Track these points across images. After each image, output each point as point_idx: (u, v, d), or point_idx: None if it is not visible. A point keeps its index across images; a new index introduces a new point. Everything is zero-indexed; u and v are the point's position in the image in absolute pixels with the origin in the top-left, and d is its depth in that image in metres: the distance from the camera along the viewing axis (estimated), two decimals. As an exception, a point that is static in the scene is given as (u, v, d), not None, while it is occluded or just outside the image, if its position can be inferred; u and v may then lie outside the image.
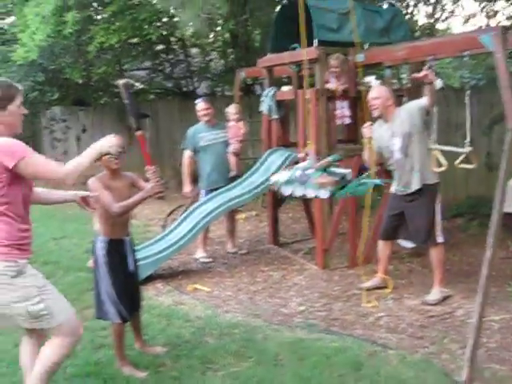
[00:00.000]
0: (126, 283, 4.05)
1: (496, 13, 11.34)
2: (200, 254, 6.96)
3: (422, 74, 4.80)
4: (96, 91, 13.12)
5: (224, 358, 4.16)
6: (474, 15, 11.90)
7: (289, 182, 4.55)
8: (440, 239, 5.23)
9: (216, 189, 6.80)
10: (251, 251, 7.30)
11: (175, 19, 9.85)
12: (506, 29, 4.50)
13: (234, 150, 6.85)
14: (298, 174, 4.54)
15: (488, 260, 4.07)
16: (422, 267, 6.28)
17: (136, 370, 4.01)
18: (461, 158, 4.98)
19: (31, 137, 17.37)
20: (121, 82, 3.90)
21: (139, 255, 5.98)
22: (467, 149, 4.93)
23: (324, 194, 4.44)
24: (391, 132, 5.23)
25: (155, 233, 8.40)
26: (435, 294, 5.27)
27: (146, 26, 9.28)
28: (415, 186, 5.21)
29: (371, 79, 6.70)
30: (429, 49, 5.31)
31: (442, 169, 5.06)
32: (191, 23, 5.57)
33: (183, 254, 6.87)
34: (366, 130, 5.32)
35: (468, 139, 4.92)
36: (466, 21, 12.12)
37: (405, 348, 4.30)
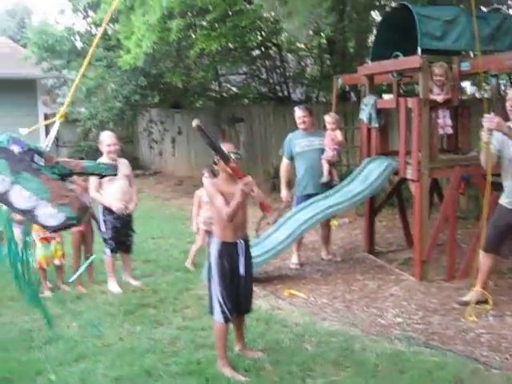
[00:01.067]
0: (235, 286, 4.18)
1: None
2: (293, 260, 7.02)
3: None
4: (193, 95, 13.48)
5: (323, 366, 4.19)
6: None
7: None
8: None
9: (308, 195, 6.86)
10: (346, 259, 7.28)
11: (276, 26, 10.01)
12: None
13: (327, 158, 6.86)
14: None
15: None
16: (524, 283, 6.07)
17: (236, 372, 4.10)
18: None
19: (130, 137, 18.17)
20: (194, 123, 3.88)
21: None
22: None
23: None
24: None
25: (250, 236, 8.53)
26: None
27: (247, 33, 9.44)
28: None
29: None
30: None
31: None
32: (296, 32, 5.64)
33: (277, 259, 6.94)
34: (485, 134, 4.94)
35: None
36: None
37: (509, 369, 4.17)
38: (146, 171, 17.20)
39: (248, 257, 4.29)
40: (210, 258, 4.22)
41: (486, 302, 5.41)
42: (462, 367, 4.14)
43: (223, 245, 4.16)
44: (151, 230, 9.10)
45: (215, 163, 4.23)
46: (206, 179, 6.70)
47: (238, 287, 4.21)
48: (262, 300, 5.74)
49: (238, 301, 4.22)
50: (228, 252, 4.16)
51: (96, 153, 15.79)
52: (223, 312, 4.12)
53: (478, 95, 12.25)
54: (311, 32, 6.62)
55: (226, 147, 4.19)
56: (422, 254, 6.20)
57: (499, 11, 7.00)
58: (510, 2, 11.58)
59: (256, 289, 6.02)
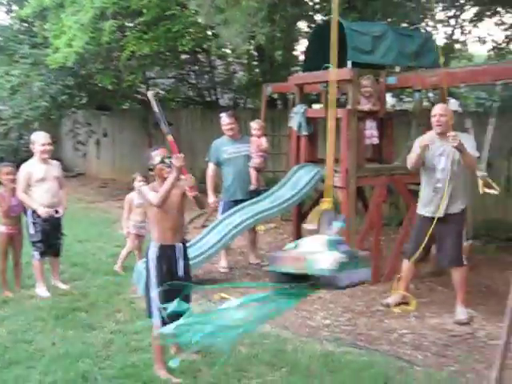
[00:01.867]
0: (173, 289, 4.20)
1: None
2: (222, 264, 7.12)
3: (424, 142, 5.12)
4: (122, 97, 13.33)
5: (257, 366, 4.33)
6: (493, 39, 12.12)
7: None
8: (465, 261, 5.41)
9: (235, 201, 6.99)
10: (273, 263, 7.42)
11: (206, 31, 10.09)
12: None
13: (254, 165, 7.00)
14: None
15: (516, 285, 4.18)
16: (442, 286, 6.41)
17: (172, 375, 4.16)
18: (481, 183, 5.06)
19: (54, 138, 17.66)
20: (150, 93, 4.19)
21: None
22: (482, 173, 5.03)
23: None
24: (442, 150, 5.30)
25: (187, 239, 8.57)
26: (462, 312, 5.43)
27: (179, 37, 9.46)
28: (453, 210, 5.35)
29: (455, 104, 6.81)
30: (463, 76, 5.50)
31: (496, 192, 5.10)
32: (232, 40, 5.76)
33: (206, 263, 7.01)
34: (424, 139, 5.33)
35: (484, 164, 5.02)
36: (484, 42, 12.35)
37: (430, 365, 4.46)
38: (69, 173, 16.82)
39: (186, 259, 4.35)
40: (147, 262, 4.24)
41: (407, 303, 5.74)
42: (389, 365, 4.38)
43: (161, 248, 4.20)
44: (77, 233, 8.92)
45: (151, 169, 4.27)
46: (138, 183, 6.72)
47: (177, 290, 4.25)
48: (193, 303, 5.74)
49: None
50: (166, 255, 4.21)
51: (16, 152, 15.45)
52: (162, 317, 4.12)
53: (397, 107, 12.80)
54: (245, 40, 6.76)
55: (158, 152, 4.26)
56: (348, 258, 6.42)
57: (419, 30, 7.38)
58: (427, 20, 12.22)
59: (187, 292, 6.11)
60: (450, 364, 4.51)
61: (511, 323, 4.12)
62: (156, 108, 4.16)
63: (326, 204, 4.50)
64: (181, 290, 4.26)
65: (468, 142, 5.20)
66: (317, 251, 3.91)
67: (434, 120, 5.29)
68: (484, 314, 5.56)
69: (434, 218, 5.38)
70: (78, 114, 15.22)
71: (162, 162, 4.17)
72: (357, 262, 3.93)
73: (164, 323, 4.16)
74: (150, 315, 4.26)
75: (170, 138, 4.17)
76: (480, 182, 5.12)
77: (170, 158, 4.17)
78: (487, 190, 5.06)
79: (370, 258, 4.95)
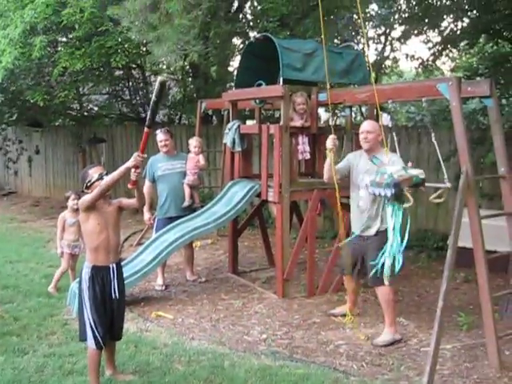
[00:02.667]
0: (107, 310, 4.16)
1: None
2: (158, 282, 7.07)
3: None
4: (54, 113, 13.07)
5: (195, 384, 4.31)
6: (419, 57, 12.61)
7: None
8: (387, 281, 5.03)
9: (170, 218, 6.97)
10: (210, 279, 7.45)
11: (140, 48, 10.05)
12: (460, 79, 4.87)
13: (188, 182, 7.01)
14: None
15: (443, 292, 4.36)
16: (375, 297, 6.53)
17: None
18: (438, 192, 4.92)
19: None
20: (160, 78, 4.09)
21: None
22: (448, 184, 4.92)
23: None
24: (367, 169, 5.25)
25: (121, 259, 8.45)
26: (385, 334, 5.31)
27: (112, 53, 9.39)
28: (375, 230, 5.30)
29: (387, 118, 6.90)
30: (390, 93, 5.68)
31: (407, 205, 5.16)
32: (165, 57, 5.78)
33: (143, 281, 6.95)
34: (330, 140, 5.31)
35: (446, 175, 4.96)
36: (412, 59, 12.81)
37: (365, 375, 4.56)
38: (0, 191, 16.36)
39: (121, 280, 4.30)
40: (80, 283, 4.17)
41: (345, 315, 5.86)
42: (325, 377, 4.45)
43: (95, 269, 4.14)
44: (8, 253, 8.69)
45: (88, 187, 4.23)
46: (72, 201, 6.62)
47: (111, 312, 4.20)
48: (129, 323, 5.72)
49: (110, 326, 4.21)
50: (100, 276, 4.14)
51: None
52: (95, 338, 4.10)
53: (331, 122, 13.07)
54: (179, 57, 6.78)
55: (95, 170, 4.26)
56: (283, 272, 6.51)
57: (351, 47, 7.58)
58: (359, 37, 12.59)
59: (123, 311, 6.04)
60: (384, 373, 4.62)
61: (440, 329, 4.30)
62: (156, 96, 4.05)
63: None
64: (116, 312, 4.25)
65: (397, 161, 5.07)
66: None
67: (361, 137, 5.34)
68: (416, 321, 5.74)
69: (358, 235, 5.40)
70: (9, 131, 14.85)
71: (101, 178, 4.13)
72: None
73: (99, 346, 4.13)
74: (83, 338, 4.18)
75: (147, 130, 4.10)
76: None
77: (107, 174, 4.15)
78: (436, 200, 5.06)
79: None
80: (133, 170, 4.06)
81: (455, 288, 6.80)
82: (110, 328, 4.21)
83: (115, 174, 4.00)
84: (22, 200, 15.43)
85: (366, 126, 5.38)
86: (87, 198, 4.09)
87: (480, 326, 5.10)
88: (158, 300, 6.58)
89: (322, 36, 5.38)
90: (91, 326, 4.09)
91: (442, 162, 5.15)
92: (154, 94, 4.08)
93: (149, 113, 4.16)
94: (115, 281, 4.20)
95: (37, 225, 11.70)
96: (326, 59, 5.70)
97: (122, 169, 4.01)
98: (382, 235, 5.08)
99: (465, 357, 4.91)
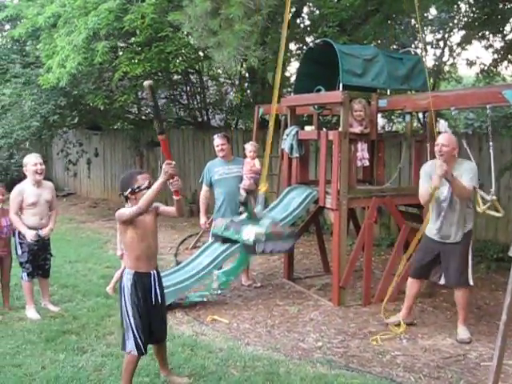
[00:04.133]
0: (149, 317, 4.16)
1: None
2: (214, 286, 7.09)
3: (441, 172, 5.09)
4: (113, 117, 13.35)
5: (250, 390, 4.30)
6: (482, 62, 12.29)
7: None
8: (471, 282, 5.48)
9: None
10: (265, 285, 7.44)
11: (198, 53, 10.15)
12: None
13: (244, 186, 7.02)
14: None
15: (508, 306, 4.20)
16: (433, 308, 6.43)
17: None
18: (487, 205, 5.01)
19: (45, 157, 17.67)
20: (146, 83, 3.88)
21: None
22: (491, 197, 4.99)
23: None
24: (444, 181, 5.30)
25: (167, 261, 8.57)
26: (464, 331, 5.51)
27: (172, 59, 9.52)
28: (454, 238, 5.44)
29: (444, 125, 6.86)
30: (452, 100, 5.56)
31: (500, 215, 5.04)
32: (224, 63, 5.82)
33: (198, 284, 6.99)
34: (436, 179, 5.26)
35: (493, 188, 4.99)
36: (472, 65, 12.51)
37: (423, 388, 4.45)
38: (60, 193, 16.80)
39: (161, 287, 4.29)
40: (122, 290, 4.15)
41: (411, 324, 5.80)
42: (381, 388, 4.38)
43: (136, 275, 4.13)
44: (68, 253, 8.91)
45: (133, 191, 4.13)
46: None
47: (152, 318, 4.20)
48: (185, 326, 5.79)
49: (151, 332, 4.21)
50: (141, 283, 4.14)
51: (6, 171, 15.39)
52: (137, 343, 4.09)
53: (387, 127, 12.92)
54: (238, 62, 6.82)
55: (144, 176, 4.18)
56: (339, 279, 6.45)
57: (409, 53, 7.47)
58: (417, 42, 12.38)
59: (179, 314, 6.12)
60: (442, 386, 4.52)
61: (503, 344, 4.15)
62: (152, 101, 4.02)
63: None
64: (158, 318, 4.26)
65: (468, 170, 5.26)
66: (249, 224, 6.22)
67: (436, 149, 5.35)
68: (475, 334, 5.58)
69: (439, 242, 5.51)
70: (70, 134, 15.24)
71: (149, 186, 4.04)
72: (286, 236, 6.25)
73: (140, 352, 4.14)
74: (123, 345, 4.17)
75: (161, 137, 3.95)
76: (480, 202, 5.11)
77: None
78: (491, 212, 5.03)
79: (294, 235, 6.64)
80: (169, 181, 3.97)
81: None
82: (151, 333, 4.21)
83: (151, 194, 3.92)
84: (80, 201, 15.82)
85: (442, 139, 5.37)
86: (126, 213, 4.03)
87: (545, 342, 4.92)
88: (214, 304, 6.60)
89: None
90: (133, 332, 4.08)
91: (492, 174, 5.12)
92: (150, 100, 4.04)
93: (154, 121, 4.10)
94: (157, 287, 4.21)
95: (95, 226, 11.97)
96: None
97: (156, 186, 3.91)
98: (465, 238, 5.44)
99: (527, 373, 4.75)
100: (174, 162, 3.91)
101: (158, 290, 4.24)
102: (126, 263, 4.24)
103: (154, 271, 4.25)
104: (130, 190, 4.12)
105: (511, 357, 5.01)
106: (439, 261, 5.57)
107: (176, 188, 4.04)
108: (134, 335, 4.09)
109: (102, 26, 8.68)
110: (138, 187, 4.10)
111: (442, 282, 5.76)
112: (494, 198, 5.02)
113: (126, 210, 4.06)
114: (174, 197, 4.12)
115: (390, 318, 5.94)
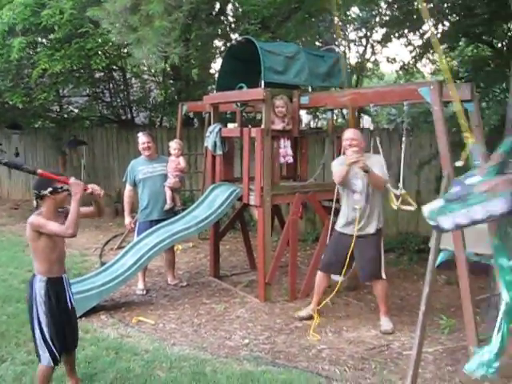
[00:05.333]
0: (62, 323, 4.02)
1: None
2: (139, 286, 7.01)
3: (353, 159, 5.23)
4: (34, 115, 12.93)
5: (176, 391, 4.26)
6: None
7: (444, 207, 2.89)
8: (384, 275, 5.61)
9: (151, 221, 6.92)
10: (192, 283, 7.39)
11: (121, 50, 9.98)
12: (442, 83, 4.88)
13: (169, 184, 6.96)
14: (456, 190, 2.92)
15: (426, 297, 4.34)
16: (357, 301, 6.57)
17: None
18: (399, 200, 5.24)
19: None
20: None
21: (82, 287, 6.04)
22: (399, 191, 5.23)
23: (502, 204, 2.73)
24: (355, 173, 5.48)
25: (92, 262, 8.40)
26: (387, 322, 5.66)
27: (93, 55, 9.31)
28: (370, 230, 5.58)
29: (368, 121, 6.95)
30: (372, 97, 5.68)
31: (412, 208, 5.19)
32: (145, 59, 5.73)
33: (124, 286, 6.87)
34: (351, 154, 5.38)
35: (401, 182, 5.23)
36: (393, 62, 12.88)
37: (348, 380, 4.54)
38: (-22, 195, 16.17)
39: (71, 290, 4.17)
40: (34, 299, 3.95)
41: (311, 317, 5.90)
42: (308, 382, 4.44)
43: (49, 281, 3.96)
44: (-14, 258, 8.58)
45: (52, 192, 3.91)
46: None
47: (66, 323, 4.06)
48: (110, 328, 5.67)
49: (66, 338, 4.08)
50: (54, 288, 3.98)
51: None
52: (52, 354, 3.95)
53: (312, 124, 13.10)
54: (160, 59, 6.72)
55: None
56: (265, 276, 6.48)
57: (332, 51, 7.58)
58: (340, 40, 12.60)
59: (103, 317, 6.00)
60: (366, 377, 4.61)
61: (422, 333, 4.29)
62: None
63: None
64: (71, 323, 4.13)
65: (377, 163, 5.44)
66: None
67: (346, 144, 5.49)
68: (398, 325, 5.73)
69: (352, 235, 5.59)
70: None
71: (68, 190, 3.89)
72: None
73: (55, 362, 4.00)
74: (39, 359, 4.01)
75: (40, 171, 3.83)
76: (393, 198, 5.30)
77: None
78: (404, 207, 5.22)
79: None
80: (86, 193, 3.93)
81: (437, 290, 6.81)
82: (64, 341, 4.06)
83: (75, 216, 3.79)
84: (1, 203, 15.24)
85: (351, 133, 5.54)
86: (53, 229, 3.84)
87: (462, 329, 5.10)
88: (139, 305, 6.51)
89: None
90: (47, 343, 3.93)
91: (401, 169, 5.31)
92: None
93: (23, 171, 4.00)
94: (69, 291, 4.10)
95: (16, 228, 11.55)
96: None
97: (75, 208, 3.80)
98: (378, 233, 5.58)
99: (447, 360, 4.92)
100: (72, 179, 3.85)
101: (70, 294, 4.12)
102: (35, 270, 3.99)
103: (65, 275, 4.11)
104: (51, 188, 3.87)
105: (431, 345, 5.20)
106: (351, 255, 5.65)
107: (98, 195, 4.02)
108: (49, 346, 3.93)
109: (18, 20, 8.38)
110: (61, 187, 3.89)
111: (337, 279, 5.95)
112: (403, 191, 5.21)
113: (54, 226, 3.83)
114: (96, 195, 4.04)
115: (299, 312, 6.05)
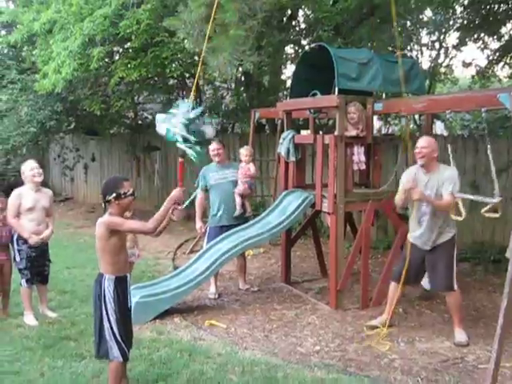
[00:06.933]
0: (128, 319, 4.18)
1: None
2: (211, 290, 7.10)
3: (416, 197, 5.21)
4: (110, 122, 13.36)
5: (249, 395, 4.30)
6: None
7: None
8: (456, 287, 5.48)
9: (222, 227, 7.01)
10: (263, 289, 7.44)
11: (194, 57, 10.17)
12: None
13: (238, 191, 7.02)
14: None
15: (504, 309, 4.22)
16: (430, 311, 6.44)
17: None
18: (488, 206, 4.95)
19: (41, 163, 17.64)
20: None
21: (155, 290, 6.21)
22: (497, 199, 4.90)
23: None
24: (425, 183, 5.39)
25: (165, 266, 8.58)
26: (461, 333, 5.51)
27: (168, 64, 9.54)
28: (441, 240, 5.47)
29: (440, 126, 6.84)
30: (448, 103, 5.57)
31: (460, 218, 5.15)
32: (220, 68, 5.84)
33: (196, 289, 7.00)
34: (417, 195, 5.30)
35: (496, 189, 4.92)
36: (468, 66, 12.56)
37: (421, 391, 4.46)
38: (57, 198, 16.77)
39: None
40: (103, 298, 4.06)
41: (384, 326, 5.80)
42: (379, 392, 4.38)
43: (117, 280, 4.08)
44: (65, 259, 8.89)
45: (117, 197, 4.01)
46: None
47: (130, 321, 4.22)
48: (183, 331, 5.79)
49: (132, 335, 4.25)
50: (121, 287, 4.11)
51: (3, 177, 15.36)
52: (122, 350, 4.05)
53: (383, 130, 12.94)
54: (234, 67, 6.83)
55: (129, 183, 4.14)
56: (337, 283, 6.45)
57: (406, 56, 7.47)
58: (412, 44, 12.42)
59: (177, 319, 6.13)
60: (440, 389, 4.52)
61: (500, 347, 4.16)
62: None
63: None
64: (132, 321, 4.27)
65: (449, 179, 5.29)
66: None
67: (416, 152, 5.39)
68: (473, 337, 5.57)
69: (422, 247, 5.53)
70: (66, 139, 15.25)
71: (132, 195, 4.05)
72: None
73: (125, 356, 4.10)
74: (106, 354, 4.08)
75: (181, 159, 4.19)
76: (462, 211, 5.15)
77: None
78: (488, 214, 4.99)
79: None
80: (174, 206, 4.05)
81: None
82: (131, 337, 4.23)
83: (159, 218, 3.95)
84: (77, 206, 15.79)
85: (422, 141, 5.43)
86: (124, 226, 3.97)
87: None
88: (211, 308, 6.61)
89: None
90: (117, 339, 4.03)
91: (494, 176, 5.04)
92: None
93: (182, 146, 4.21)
94: (130, 290, 4.24)
95: (92, 231, 11.73)
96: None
97: (164, 211, 3.98)
98: (449, 242, 5.45)
99: (525, 376, 4.76)
100: (184, 188, 4.07)
101: (131, 293, 4.28)
102: (103, 269, 4.13)
103: (128, 275, 4.26)
104: (114, 194, 3.99)
105: (508, 359, 5.02)
106: (423, 266, 5.59)
107: (176, 219, 4.16)
108: (118, 342, 4.03)
109: (98, 31, 8.70)
110: (125, 193, 4.01)
111: (428, 286, 5.82)
112: (500, 199, 4.89)
113: (132, 223, 4.04)
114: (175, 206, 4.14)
115: (371, 321, 5.98)
